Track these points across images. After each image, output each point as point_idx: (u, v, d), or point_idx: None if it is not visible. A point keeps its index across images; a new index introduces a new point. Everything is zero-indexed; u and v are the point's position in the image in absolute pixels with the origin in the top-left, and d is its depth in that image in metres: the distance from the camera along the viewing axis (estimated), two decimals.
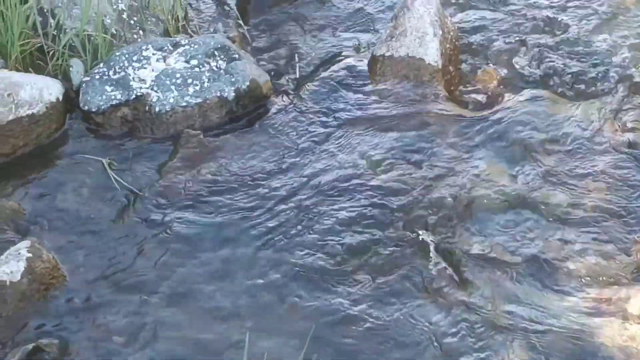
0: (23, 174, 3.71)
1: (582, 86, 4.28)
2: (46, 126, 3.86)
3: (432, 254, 3.34)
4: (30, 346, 3.02)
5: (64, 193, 3.65)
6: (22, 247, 3.22)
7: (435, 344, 3.03)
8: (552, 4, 4.86)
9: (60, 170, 3.75)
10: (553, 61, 4.43)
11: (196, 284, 3.26)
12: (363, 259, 3.36)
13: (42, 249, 3.25)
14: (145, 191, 3.64)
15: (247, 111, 4.05)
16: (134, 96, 3.93)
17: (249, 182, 3.69)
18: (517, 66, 4.41)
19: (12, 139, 3.76)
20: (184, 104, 3.93)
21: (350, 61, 4.37)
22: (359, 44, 4.60)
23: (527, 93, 4.16)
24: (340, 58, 4.44)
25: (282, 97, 4.17)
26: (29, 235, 3.39)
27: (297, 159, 3.80)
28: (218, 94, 3.99)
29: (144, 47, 4.10)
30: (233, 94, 4.00)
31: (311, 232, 3.46)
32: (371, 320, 3.12)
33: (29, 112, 3.80)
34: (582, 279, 3.27)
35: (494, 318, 3.12)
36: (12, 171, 3.72)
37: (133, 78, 3.98)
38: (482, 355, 3.00)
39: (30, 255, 3.19)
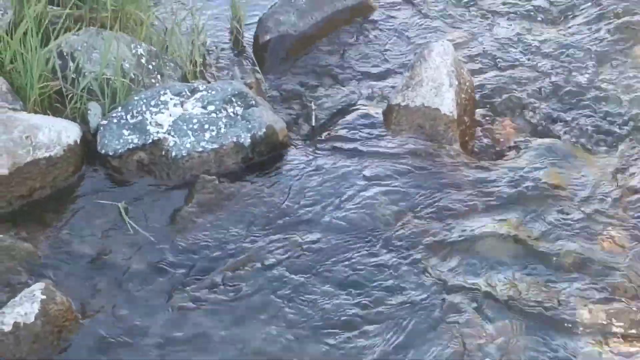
0: (39, 216, 3.73)
1: (599, 137, 4.29)
2: (63, 169, 3.88)
3: None
4: None
5: (79, 236, 3.66)
6: (36, 289, 3.23)
7: None
8: (569, 56, 4.88)
9: (76, 213, 3.77)
10: (569, 113, 4.45)
11: (208, 332, 3.26)
12: (380, 307, 3.36)
13: (56, 291, 3.26)
14: (160, 236, 3.65)
15: (263, 158, 4.07)
16: (150, 140, 3.96)
17: (264, 230, 3.70)
18: (532, 117, 4.43)
19: (30, 181, 3.79)
20: (200, 149, 3.95)
21: (366, 110, 4.40)
22: (374, 94, 4.62)
23: (543, 144, 4.18)
24: (356, 107, 4.47)
25: (298, 144, 4.20)
26: (43, 278, 3.40)
27: (313, 207, 3.82)
28: (234, 140, 4.01)
29: (162, 92, 4.13)
30: (249, 140, 4.03)
31: (327, 282, 3.47)
32: None
33: (47, 154, 3.82)
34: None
35: None
36: (28, 213, 3.74)
37: (150, 122, 4.00)
38: None
39: (44, 297, 3.20)
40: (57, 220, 3.74)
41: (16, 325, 3.13)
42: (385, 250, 3.61)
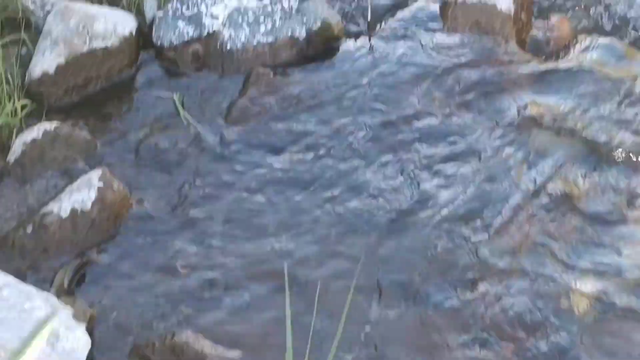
0: (96, 107, 3.78)
1: None
2: (119, 60, 3.91)
3: None
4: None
5: (134, 126, 3.70)
6: (94, 177, 3.28)
7: None
8: None
9: (132, 104, 3.81)
10: (628, 12, 4.37)
11: (261, 218, 3.30)
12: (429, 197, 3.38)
13: (112, 179, 3.31)
14: (214, 127, 3.68)
15: (317, 51, 4.06)
16: (206, 33, 3.97)
17: (317, 121, 3.71)
18: (589, 16, 4.36)
19: (86, 71, 3.82)
20: (255, 42, 3.95)
21: (422, 4, 4.35)
22: None
23: (599, 43, 4.12)
24: (413, 2, 4.42)
25: (353, 38, 4.18)
26: (100, 166, 3.45)
27: (366, 100, 3.81)
28: (289, 34, 4.00)
29: None
30: (304, 33, 4.02)
31: (377, 171, 3.49)
32: None
33: (103, 45, 3.85)
34: None
35: None
36: (85, 103, 3.78)
37: (206, 14, 4.00)
38: None
39: (101, 184, 3.25)
40: (113, 110, 3.78)
41: (73, 211, 3.19)
42: (438, 135, 3.61)
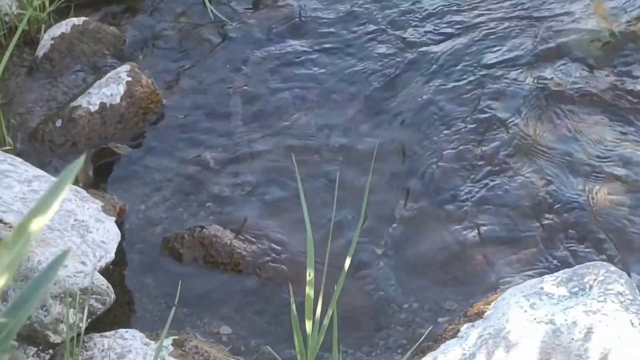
0: (124, 1, 3.76)
1: None
2: None
3: None
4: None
5: (163, 21, 3.69)
6: (122, 71, 3.28)
7: None
8: None
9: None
10: None
11: (288, 113, 3.30)
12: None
13: (141, 73, 3.31)
14: (241, 23, 3.66)
15: None
16: None
17: (345, 8, 3.68)
18: None
19: None
20: None
21: None
22: None
23: None
24: None
25: None
26: (128, 61, 3.45)
27: None
28: None
29: None
30: None
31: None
32: None
33: None
34: None
35: None
36: None
37: None
38: None
39: (129, 79, 3.26)
40: (141, 4, 3.76)
41: (102, 105, 3.20)
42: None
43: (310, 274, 1.66)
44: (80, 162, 0.73)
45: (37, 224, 0.70)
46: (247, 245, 2.83)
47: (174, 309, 1.95)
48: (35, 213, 0.71)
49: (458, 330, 2.48)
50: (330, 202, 2.69)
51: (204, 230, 2.85)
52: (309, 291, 1.69)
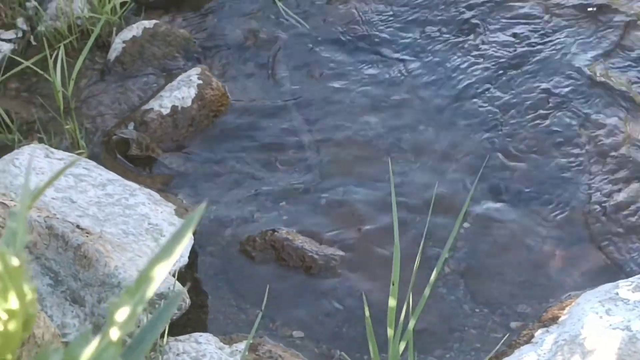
0: (193, 3, 3.78)
1: None
2: None
3: None
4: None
5: (232, 22, 3.71)
6: (193, 74, 3.31)
7: None
8: None
9: (230, 0, 3.81)
10: None
11: (357, 114, 3.30)
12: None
13: (211, 76, 3.33)
14: (312, 24, 3.67)
15: None
16: None
17: (414, 19, 3.67)
18: None
19: None
20: None
21: None
22: None
23: None
24: None
25: None
26: (198, 63, 3.48)
27: None
28: None
29: None
30: None
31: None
32: None
33: None
34: None
35: None
36: (183, 0, 3.79)
37: None
38: None
39: (200, 82, 3.28)
40: (211, 6, 3.78)
41: (174, 108, 3.23)
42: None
43: (394, 283, 1.66)
44: (202, 208, 0.74)
45: (160, 271, 0.71)
46: (318, 248, 2.84)
47: (260, 314, 1.97)
48: (158, 259, 0.72)
49: (532, 336, 2.46)
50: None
51: (276, 233, 2.86)
52: (392, 301, 1.70)
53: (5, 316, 0.64)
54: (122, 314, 0.69)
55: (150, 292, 0.71)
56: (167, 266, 0.73)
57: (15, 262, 0.64)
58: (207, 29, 3.68)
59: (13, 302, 0.64)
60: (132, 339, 0.76)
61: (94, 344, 0.70)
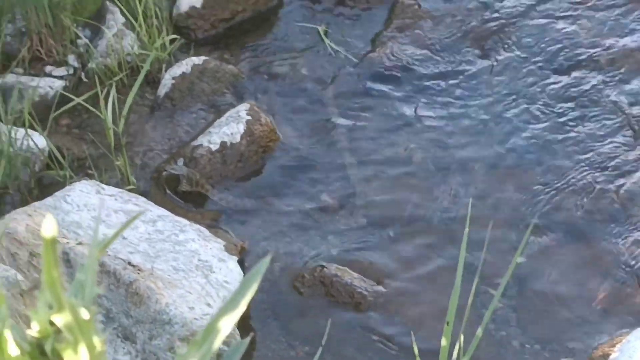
0: (241, 40, 3.81)
1: None
2: None
3: None
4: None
5: (280, 58, 3.73)
6: (242, 110, 3.33)
7: None
8: None
9: (277, 36, 3.83)
10: None
11: (410, 151, 3.30)
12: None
13: (260, 112, 3.35)
14: (358, 59, 3.68)
15: None
16: None
17: (463, 49, 3.67)
18: None
19: (232, 5, 3.85)
20: None
21: None
22: None
23: None
24: None
25: None
26: (247, 99, 3.50)
27: (512, 28, 3.76)
28: None
29: None
30: None
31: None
32: None
33: None
34: None
35: None
36: (231, 36, 3.82)
37: None
38: None
39: (249, 117, 3.30)
40: (259, 42, 3.81)
41: (223, 144, 3.25)
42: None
43: (448, 323, 1.66)
44: (266, 262, 0.75)
45: (226, 323, 0.72)
46: (368, 284, 2.84)
47: (320, 349, 1.97)
48: (224, 312, 0.73)
49: None
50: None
51: (325, 269, 2.87)
52: (445, 340, 1.69)
53: None
54: None
55: (218, 344, 0.72)
56: (233, 318, 0.74)
57: (85, 314, 0.66)
58: (255, 65, 3.70)
59: (83, 355, 0.65)
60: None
61: None
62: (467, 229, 1.61)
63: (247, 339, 0.81)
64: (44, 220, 0.59)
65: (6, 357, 0.66)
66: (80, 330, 0.64)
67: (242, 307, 0.76)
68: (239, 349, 0.81)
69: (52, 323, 0.68)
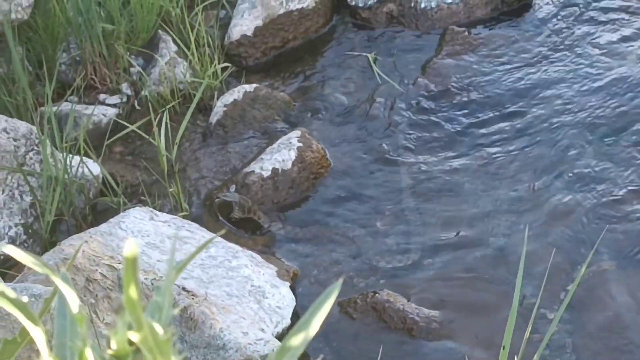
0: (292, 67, 3.84)
1: None
2: (314, 21, 3.96)
3: None
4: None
5: (330, 86, 3.75)
6: (293, 137, 3.36)
7: None
8: None
9: (327, 64, 3.86)
10: None
11: (465, 178, 3.30)
12: None
13: (311, 139, 3.38)
14: (409, 86, 3.69)
15: (512, 8, 4.00)
16: None
17: (515, 77, 3.67)
18: None
19: (283, 32, 3.89)
20: (450, 0, 3.94)
21: None
22: None
23: None
24: None
25: None
26: (298, 125, 3.53)
27: (563, 52, 3.75)
28: None
29: None
30: None
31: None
32: None
33: (299, 6, 3.91)
34: None
35: None
36: (282, 64, 3.86)
37: None
38: None
39: (300, 144, 3.33)
40: (309, 70, 3.84)
41: (274, 171, 3.28)
42: None
43: (505, 347, 1.66)
44: (339, 284, 0.77)
45: (297, 341, 0.74)
46: (420, 310, 2.84)
47: None
48: (297, 331, 0.75)
49: None
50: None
51: (377, 295, 2.87)
52: None
53: None
54: None
55: None
56: (306, 339, 0.75)
57: (163, 335, 0.67)
58: (306, 93, 3.73)
59: None
60: None
61: None
62: (524, 248, 1.61)
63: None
64: (126, 241, 0.60)
65: None
66: (158, 349, 0.66)
67: (314, 328, 0.77)
68: None
69: (130, 342, 0.70)
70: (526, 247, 2.96)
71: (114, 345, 0.69)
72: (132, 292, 0.63)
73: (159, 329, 0.67)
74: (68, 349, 0.74)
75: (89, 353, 0.67)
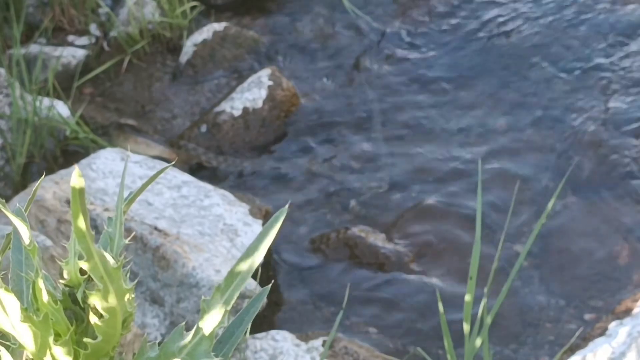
0: (261, 5, 3.82)
1: None
2: None
3: None
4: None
5: (300, 22, 3.74)
6: (263, 75, 3.35)
7: None
8: None
9: (297, 0, 3.84)
10: None
11: (428, 116, 3.31)
12: None
13: (281, 77, 3.37)
14: (379, 21, 3.69)
15: None
16: None
17: (487, 15, 3.68)
18: None
19: None
20: None
21: None
22: None
23: None
24: None
25: None
26: (268, 64, 3.52)
27: None
28: None
29: None
30: None
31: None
32: None
33: None
34: None
35: None
36: (250, 2, 3.83)
37: None
38: None
39: (270, 83, 3.32)
40: (279, 7, 3.82)
41: (245, 110, 3.27)
42: None
43: (472, 277, 1.68)
44: (285, 209, 0.78)
45: (246, 266, 0.75)
46: (392, 245, 2.86)
47: (341, 312, 2.00)
48: (245, 258, 0.76)
49: (606, 328, 2.46)
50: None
51: (349, 231, 2.89)
52: (469, 296, 1.72)
53: (106, 315, 0.68)
54: (213, 309, 0.73)
55: (240, 288, 0.75)
56: (254, 264, 0.77)
57: (113, 263, 0.68)
58: (275, 30, 3.72)
59: (113, 301, 0.68)
60: (222, 334, 0.80)
61: (188, 338, 0.74)
62: (479, 178, 1.63)
63: (268, 287, 0.84)
64: (72, 172, 0.61)
65: (40, 305, 0.69)
66: (109, 278, 0.67)
67: (261, 253, 0.79)
68: (261, 296, 0.84)
69: (82, 272, 0.71)
70: (494, 181, 2.99)
71: (65, 275, 0.71)
72: (81, 222, 0.64)
73: (109, 257, 0.68)
74: (24, 280, 0.76)
75: (41, 283, 0.69)
